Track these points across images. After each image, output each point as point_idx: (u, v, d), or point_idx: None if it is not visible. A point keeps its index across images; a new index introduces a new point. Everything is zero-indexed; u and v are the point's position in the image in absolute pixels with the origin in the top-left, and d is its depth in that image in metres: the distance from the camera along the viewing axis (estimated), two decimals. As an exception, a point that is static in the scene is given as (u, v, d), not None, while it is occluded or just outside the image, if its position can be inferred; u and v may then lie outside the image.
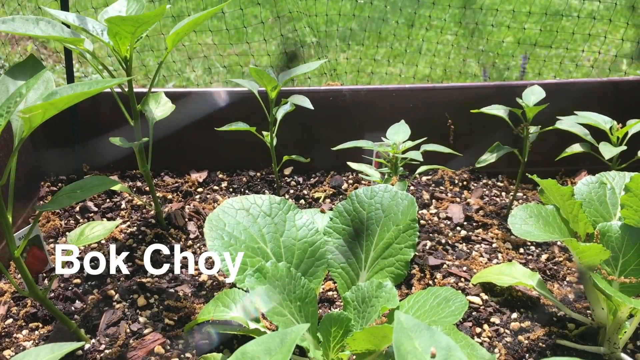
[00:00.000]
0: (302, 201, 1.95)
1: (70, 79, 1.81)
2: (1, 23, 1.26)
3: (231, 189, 2.00)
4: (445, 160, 1.99)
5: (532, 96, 1.73)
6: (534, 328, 1.39)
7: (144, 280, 1.56)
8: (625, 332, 1.25)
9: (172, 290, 1.54)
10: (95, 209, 1.88)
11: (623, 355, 1.27)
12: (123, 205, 1.89)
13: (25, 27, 1.27)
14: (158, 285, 1.54)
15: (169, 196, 1.94)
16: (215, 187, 2.01)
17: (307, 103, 1.64)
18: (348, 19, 4.44)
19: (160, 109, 1.67)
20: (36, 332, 1.42)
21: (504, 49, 4.28)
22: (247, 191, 1.99)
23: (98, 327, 1.41)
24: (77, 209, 1.87)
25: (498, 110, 1.75)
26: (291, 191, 1.99)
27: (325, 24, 4.35)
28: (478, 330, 1.39)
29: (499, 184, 2.05)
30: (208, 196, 1.96)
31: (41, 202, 1.92)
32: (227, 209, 1.22)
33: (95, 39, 1.43)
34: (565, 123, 1.72)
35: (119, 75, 1.51)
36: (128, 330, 1.40)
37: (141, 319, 1.43)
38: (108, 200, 1.92)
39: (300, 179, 2.05)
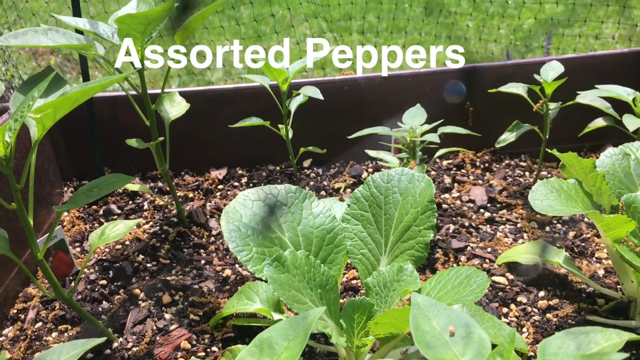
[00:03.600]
0: (323, 192, 1.94)
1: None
2: (13, 38, 1.27)
3: (251, 184, 2.01)
4: (466, 143, 1.95)
5: (551, 71, 1.69)
6: (563, 305, 1.36)
7: (168, 278, 1.57)
8: (657, 305, 1.22)
9: (196, 286, 1.55)
10: (119, 212, 1.90)
11: (657, 329, 1.23)
12: (145, 206, 1.91)
13: (36, 39, 1.29)
14: (182, 282, 1.55)
15: (190, 195, 1.96)
16: (236, 183, 2.02)
17: (317, 94, 1.63)
18: (365, 12, 4.41)
19: (175, 108, 1.68)
20: (65, 334, 1.44)
21: (526, 30, 4.21)
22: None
23: (125, 325, 1.43)
24: (101, 212, 1.89)
25: (516, 88, 1.71)
26: (311, 183, 1.98)
27: (343, 18, 4.33)
28: (505, 310, 1.36)
29: (522, 163, 2.01)
30: (229, 192, 1.97)
31: (66, 207, 1.95)
32: (244, 200, 1.22)
33: (107, 42, 1.45)
34: (586, 97, 1.68)
35: (135, 80, 1.52)
36: (154, 328, 1.41)
37: (167, 316, 1.44)
38: (130, 202, 1.94)
39: (320, 170, 2.05)
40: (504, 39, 4.15)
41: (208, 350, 1.35)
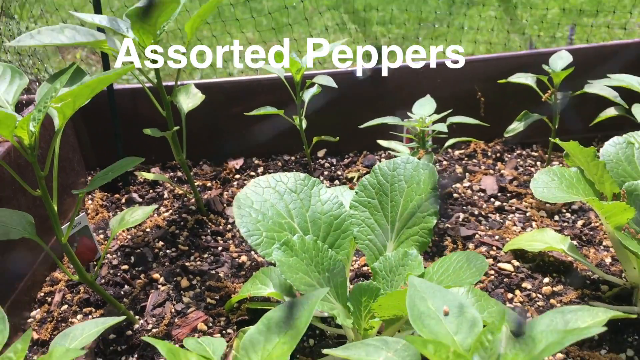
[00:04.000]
0: (337, 182, 1.99)
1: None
2: (29, 38, 1.34)
3: (267, 174, 2.06)
4: (478, 134, 1.98)
5: (559, 61, 1.71)
6: (567, 291, 1.39)
7: (187, 263, 1.63)
8: (657, 290, 1.25)
9: (213, 271, 1.61)
10: (140, 200, 1.97)
11: (658, 313, 1.26)
12: (165, 195, 1.98)
13: (51, 38, 1.35)
14: (200, 268, 1.62)
15: (208, 184, 2.02)
16: (252, 173, 2.08)
17: (331, 82, 1.67)
18: (387, 2, 4.42)
19: (191, 99, 1.74)
20: (90, 316, 1.51)
21: (550, 20, 4.17)
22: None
23: (145, 308, 1.50)
24: (123, 200, 1.97)
25: (525, 78, 1.74)
26: (325, 172, 2.03)
27: (364, 9, 4.35)
28: (510, 296, 1.40)
29: (533, 154, 2.03)
30: (245, 182, 2.03)
31: (89, 195, 2.03)
32: (255, 187, 1.28)
33: (123, 37, 1.51)
34: (595, 86, 1.69)
35: (154, 73, 1.58)
36: (173, 310, 1.47)
37: (185, 299, 1.51)
38: (151, 191, 2.02)
39: (334, 160, 2.09)
40: (528, 29, 4.13)
41: (223, 331, 1.41)
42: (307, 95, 1.77)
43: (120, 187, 2.04)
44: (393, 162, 1.31)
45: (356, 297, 1.22)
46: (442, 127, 1.57)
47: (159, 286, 1.57)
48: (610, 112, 1.77)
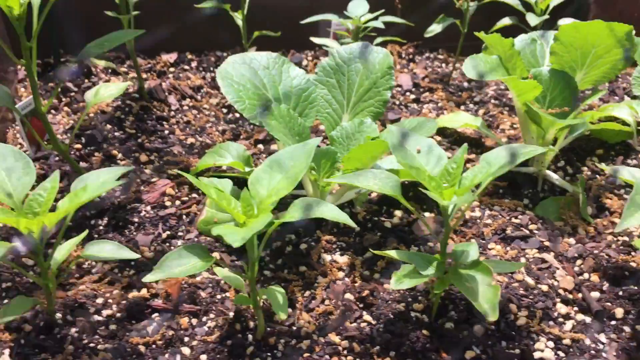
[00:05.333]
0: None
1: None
2: None
3: (201, 68, 2.17)
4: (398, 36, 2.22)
5: (471, -28, 1.98)
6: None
7: (139, 142, 1.74)
8: (550, 153, 1.59)
9: (167, 149, 1.74)
10: (76, 89, 2.01)
11: (548, 172, 1.61)
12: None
13: None
14: (154, 146, 1.74)
15: (144, 75, 2.09)
16: (186, 67, 2.17)
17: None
18: None
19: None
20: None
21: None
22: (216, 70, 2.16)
23: (110, 180, 1.60)
24: (60, 89, 1.99)
25: (441, -15, 1.99)
26: (258, 68, 2.18)
27: None
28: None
29: (439, 56, 2.33)
30: (181, 75, 2.12)
31: (21, 83, 2.03)
32: (232, 63, 1.43)
33: None
34: (499, -5, 1.99)
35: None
36: (138, 180, 1.60)
37: (147, 171, 1.63)
38: (87, 80, 2.05)
39: (265, 57, 2.25)
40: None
41: (189, 195, 1.56)
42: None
43: (53, 76, 2.05)
44: (350, 47, 1.52)
45: (317, 159, 1.43)
46: (379, 24, 1.79)
47: (119, 161, 1.67)
48: (505, 20, 2.09)
